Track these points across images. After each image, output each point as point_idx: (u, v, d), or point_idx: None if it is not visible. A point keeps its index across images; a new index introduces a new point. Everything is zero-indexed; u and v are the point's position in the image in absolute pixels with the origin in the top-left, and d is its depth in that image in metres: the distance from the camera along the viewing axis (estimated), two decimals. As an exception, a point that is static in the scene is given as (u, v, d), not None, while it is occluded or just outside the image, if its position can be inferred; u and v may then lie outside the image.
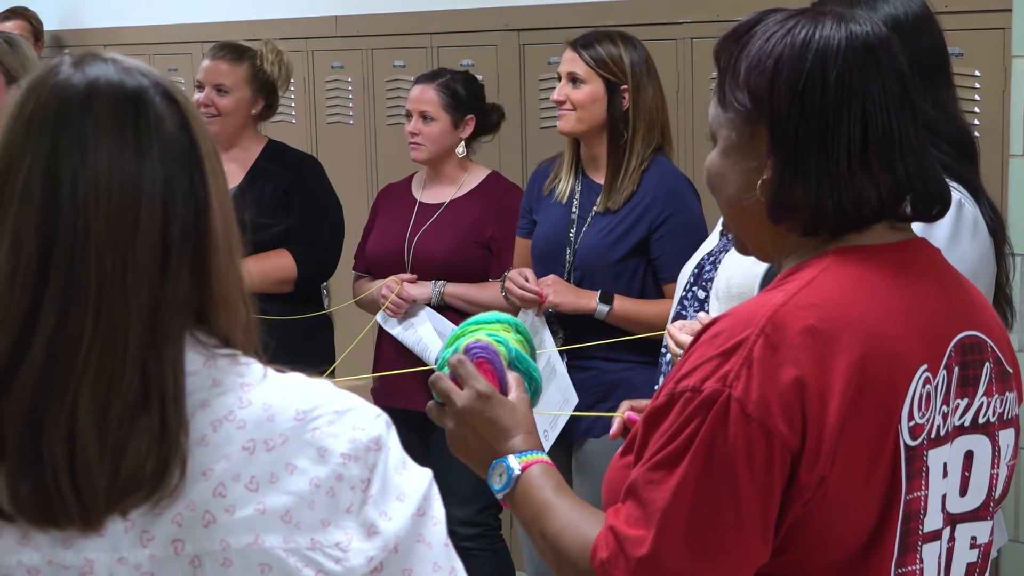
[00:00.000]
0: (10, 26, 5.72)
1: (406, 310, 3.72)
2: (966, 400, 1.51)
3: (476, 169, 3.88)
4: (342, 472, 1.22)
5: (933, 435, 1.47)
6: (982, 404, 1.53)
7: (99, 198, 1.17)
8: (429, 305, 3.73)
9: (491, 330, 1.73)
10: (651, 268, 3.34)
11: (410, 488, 1.26)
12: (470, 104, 3.83)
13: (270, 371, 1.28)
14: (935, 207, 1.53)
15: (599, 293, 3.32)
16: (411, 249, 3.81)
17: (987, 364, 1.53)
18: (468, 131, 3.82)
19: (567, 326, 3.38)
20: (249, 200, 3.81)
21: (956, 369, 1.50)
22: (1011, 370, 1.57)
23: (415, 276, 3.77)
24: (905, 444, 1.44)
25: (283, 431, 1.22)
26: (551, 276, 3.38)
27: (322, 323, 3.94)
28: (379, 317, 3.78)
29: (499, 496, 1.61)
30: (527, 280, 3.37)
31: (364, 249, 3.94)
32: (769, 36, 1.50)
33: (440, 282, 3.74)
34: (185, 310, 1.21)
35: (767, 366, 1.38)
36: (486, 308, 3.69)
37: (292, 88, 4.16)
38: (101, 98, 1.20)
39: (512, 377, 1.69)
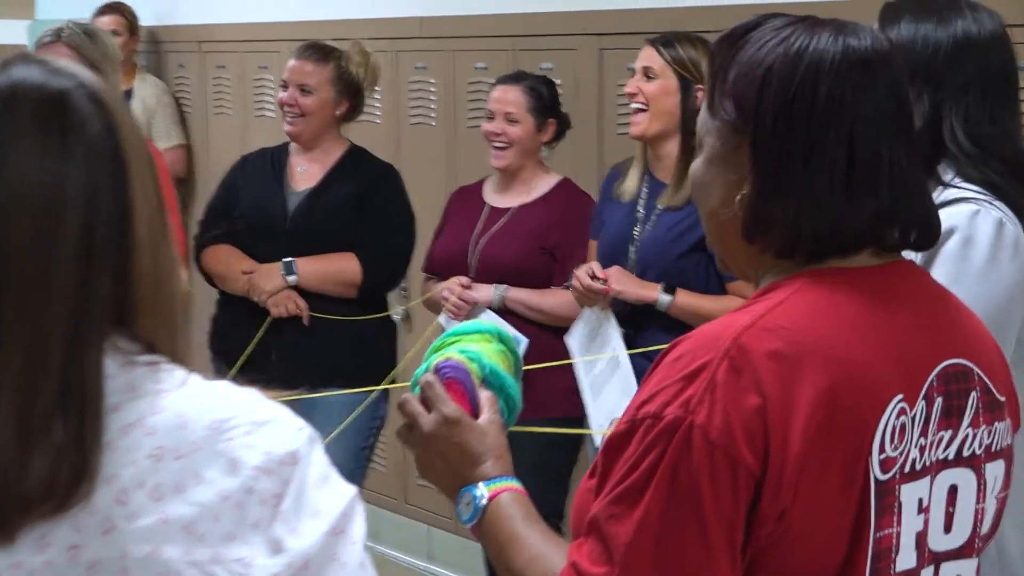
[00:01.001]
0: (106, 21, 5.85)
1: (467, 313, 3.74)
2: (950, 432, 1.43)
3: (548, 175, 3.89)
4: (252, 485, 1.17)
5: (907, 469, 1.40)
6: (967, 436, 1.45)
7: (20, 203, 1.14)
8: (491, 308, 3.74)
9: (469, 342, 1.65)
10: (714, 266, 3.33)
11: (327, 505, 1.20)
12: (552, 108, 3.86)
13: (193, 378, 1.23)
14: (922, 238, 1.46)
15: (662, 284, 3.34)
16: (477, 252, 3.83)
17: (973, 393, 1.46)
18: (548, 135, 3.85)
19: (633, 324, 3.40)
20: (323, 202, 3.89)
21: (939, 399, 1.42)
22: (1002, 398, 1.49)
23: (471, 280, 3.78)
24: (875, 478, 1.36)
25: (194, 440, 1.17)
26: (615, 267, 3.40)
27: (383, 327, 3.98)
28: (441, 319, 3.81)
29: (467, 526, 1.54)
30: (593, 274, 3.40)
31: (432, 251, 3.97)
32: (762, 44, 1.43)
33: (502, 286, 3.76)
34: (107, 315, 1.18)
35: (731, 391, 1.32)
36: (548, 314, 3.76)
37: (377, 88, 4.21)
38: (23, 100, 1.17)
39: (484, 397, 1.60)
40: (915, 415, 1.40)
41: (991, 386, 1.48)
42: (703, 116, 1.49)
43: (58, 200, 1.15)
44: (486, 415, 1.59)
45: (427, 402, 1.58)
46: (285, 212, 3.91)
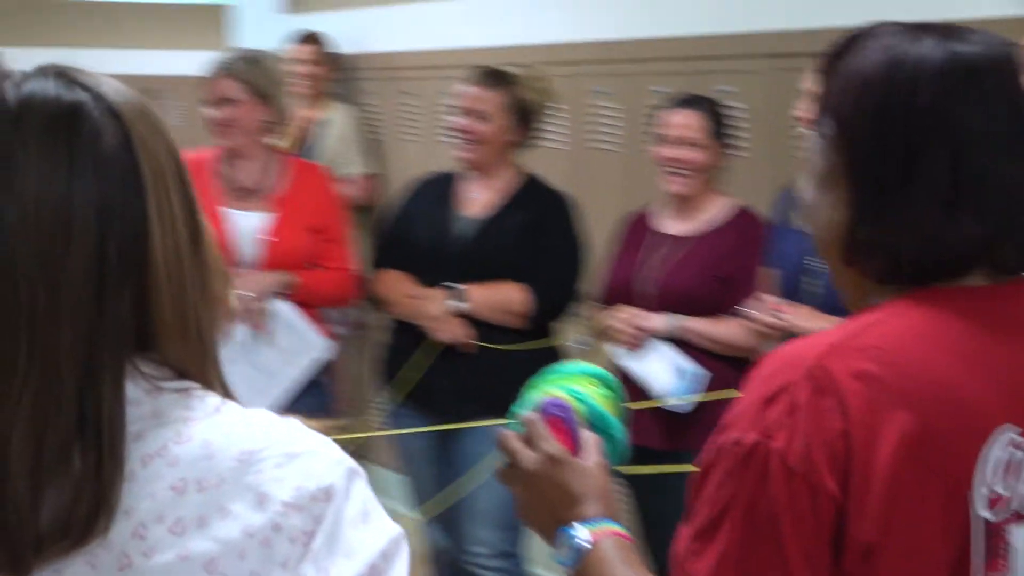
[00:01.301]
0: (305, 50, 6.01)
1: (639, 342, 3.67)
2: None
3: (723, 200, 3.80)
4: (280, 522, 1.10)
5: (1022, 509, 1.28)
6: None
7: (26, 222, 1.09)
8: (663, 338, 3.67)
9: (572, 383, 1.59)
10: None
11: (364, 545, 1.12)
12: (727, 132, 3.79)
13: (228, 406, 1.17)
14: None
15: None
16: (650, 281, 3.76)
17: None
18: (724, 160, 3.79)
19: None
20: (494, 230, 3.88)
21: None
22: None
23: (642, 310, 3.71)
24: (978, 516, 1.25)
25: (221, 471, 1.11)
26: (803, 307, 3.29)
27: (548, 356, 3.92)
28: (612, 349, 3.75)
29: (565, 570, 1.46)
30: (772, 308, 3.31)
31: (604, 279, 3.92)
32: (863, 53, 1.34)
33: (676, 315, 3.68)
34: (126, 340, 1.12)
35: (812, 414, 1.23)
36: (724, 344, 3.67)
37: (555, 113, 4.20)
38: (33, 115, 1.12)
39: (589, 438, 1.53)
40: None
41: None
42: (810, 134, 1.42)
43: (66, 218, 1.09)
44: (591, 456, 1.52)
45: (529, 439, 1.52)
46: (455, 238, 3.93)
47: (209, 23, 7.81)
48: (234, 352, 3.80)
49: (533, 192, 3.96)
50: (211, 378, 1.18)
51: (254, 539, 1.09)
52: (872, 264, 1.34)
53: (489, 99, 3.91)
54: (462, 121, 3.94)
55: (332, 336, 4.11)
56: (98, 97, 1.14)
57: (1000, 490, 1.27)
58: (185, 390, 1.15)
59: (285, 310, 3.90)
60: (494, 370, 3.81)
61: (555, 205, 3.94)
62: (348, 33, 6.27)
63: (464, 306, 3.83)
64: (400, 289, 3.96)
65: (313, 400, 3.89)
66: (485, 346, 3.82)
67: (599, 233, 4.05)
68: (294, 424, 1.18)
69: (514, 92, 3.93)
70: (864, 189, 1.33)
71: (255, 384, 3.84)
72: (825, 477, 1.23)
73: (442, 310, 3.85)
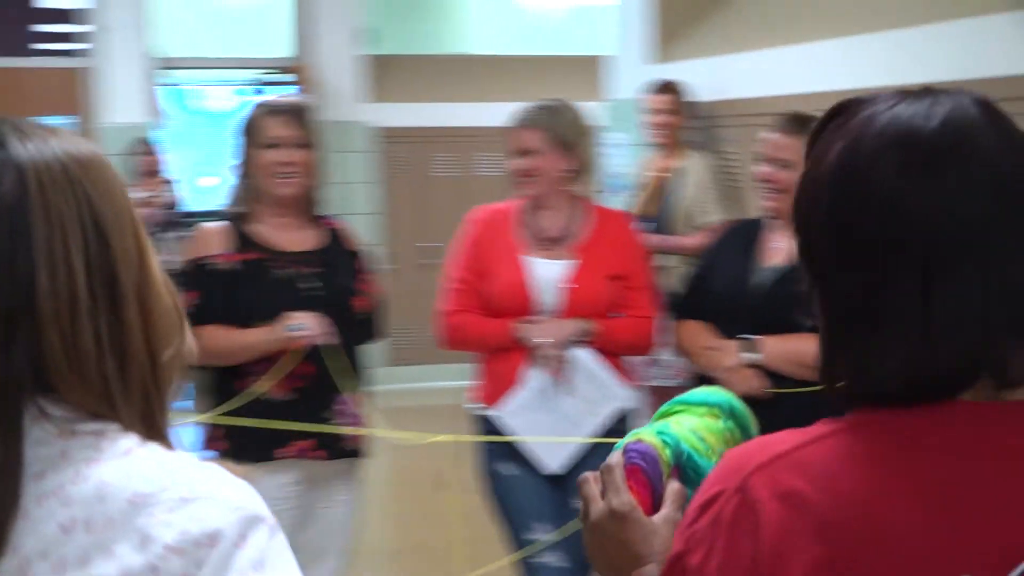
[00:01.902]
0: (661, 99, 6.05)
1: None
2: None
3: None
4: (159, 564, 1.12)
5: None
6: None
7: None
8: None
9: (691, 415, 1.51)
10: None
11: None
12: None
13: (144, 449, 1.19)
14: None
15: None
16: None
17: None
18: None
19: None
20: (793, 280, 3.74)
21: None
22: None
23: None
24: None
25: (110, 513, 1.14)
26: None
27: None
28: None
29: None
30: None
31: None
32: (834, 130, 1.19)
33: None
34: (21, 385, 1.16)
35: (730, 532, 1.15)
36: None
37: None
38: None
39: (672, 490, 1.45)
40: None
41: None
42: None
43: None
44: (665, 511, 1.43)
45: (603, 488, 1.44)
46: (752, 288, 3.82)
47: (585, 74, 7.99)
48: (534, 399, 3.86)
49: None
50: (131, 421, 1.21)
51: None
52: (845, 390, 1.20)
53: (791, 146, 3.79)
54: (765, 169, 3.85)
55: (638, 385, 4.09)
56: (9, 153, 1.19)
57: None
58: (100, 432, 1.19)
59: (585, 358, 3.92)
60: (791, 416, 3.65)
61: None
62: (710, 81, 6.25)
63: (757, 357, 3.72)
64: (698, 340, 3.89)
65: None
66: (780, 392, 3.69)
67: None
68: (207, 469, 1.19)
69: (820, 138, 3.79)
70: (825, 307, 1.21)
71: (557, 431, 3.87)
72: None
73: (736, 362, 3.75)
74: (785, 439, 1.18)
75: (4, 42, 9.61)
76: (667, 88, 6.10)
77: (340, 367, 3.69)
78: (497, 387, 3.90)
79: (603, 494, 1.44)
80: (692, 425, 1.51)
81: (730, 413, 1.55)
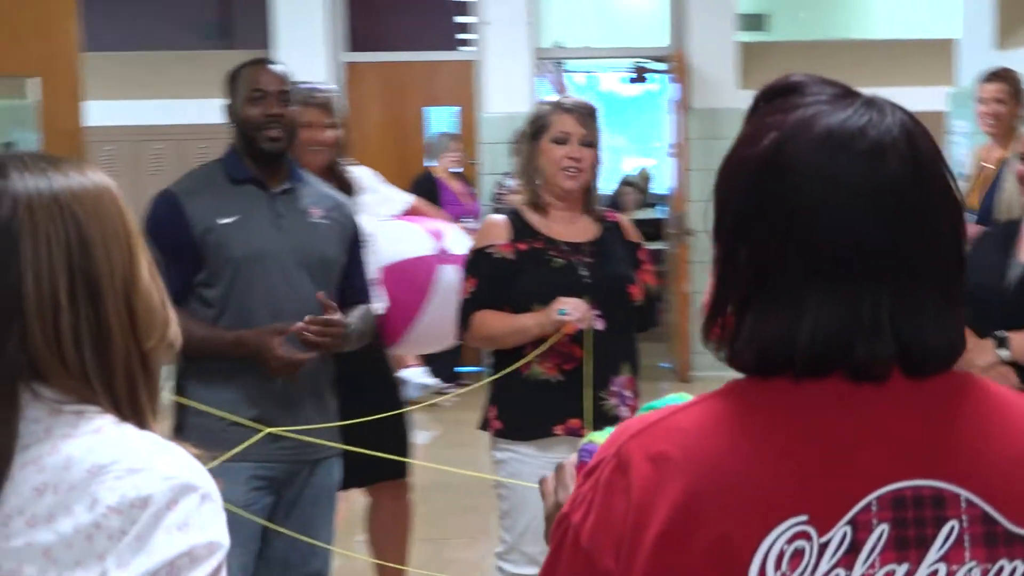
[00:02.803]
0: (992, 88, 5.94)
1: None
2: (906, 566, 1.25)
3: None
4: (102, 522, 1.35)
5: None
6: (937, 570, 1.26)
7: None
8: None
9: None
10: None
11: (168, 547, 1.35)
12: None
13: (116, 428, 1.43)
14: (918, 365, 1.29)
15: None
16: None
17: (952, 523, 1.26)
18: None
19: None
20: None
21: (881, 526, 1.25)
22: (1019, 531, 1.27)
23: None
24: None
25: (73, 480, 1.37)
26: None
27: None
28: None
29: None
30: None
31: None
32: (770, 113, 1.34)
33: None
34: (17, 370, 1.42)
35: (607, 493, 1.29)
36: None
37: None
38: None
39: None
40: (827, 541, 1.26)
41: (997, 516, 1.28)
42: None
43: None
44: None
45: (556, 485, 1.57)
46: (1005, 285, 3.80)
47: (936, 59, 7.82)
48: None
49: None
50: (111, 403, 1.46)
51: (80, 534, 1.37)
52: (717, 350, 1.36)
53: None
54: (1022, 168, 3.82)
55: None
56: (7, 184, 1.47)
57: None
58: (80, 412, 1.45)
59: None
60: None
61: None
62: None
63: (1006, 354, 3.73)
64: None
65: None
66: None
67: None
68: (159, 446, 1.44)
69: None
70: (723, 273, 1.35)
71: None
72: (605, 555, 1.29)
73: (991, 360, 3.77)
74: (664, 410, 1.34)
75: (396, 37, 10.41)
76: (1000, 76, 5.96)
77: (610, 351, 3.93)
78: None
79: (555, 491, 1.57)
80: None
81: None
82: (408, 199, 4.88)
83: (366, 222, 4.19)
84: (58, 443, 1.42)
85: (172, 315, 1.58)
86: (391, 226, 4.60)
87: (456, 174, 8.92)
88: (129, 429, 1.47)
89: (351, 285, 3.86)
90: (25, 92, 6.26)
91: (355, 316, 3.78)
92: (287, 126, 3.69)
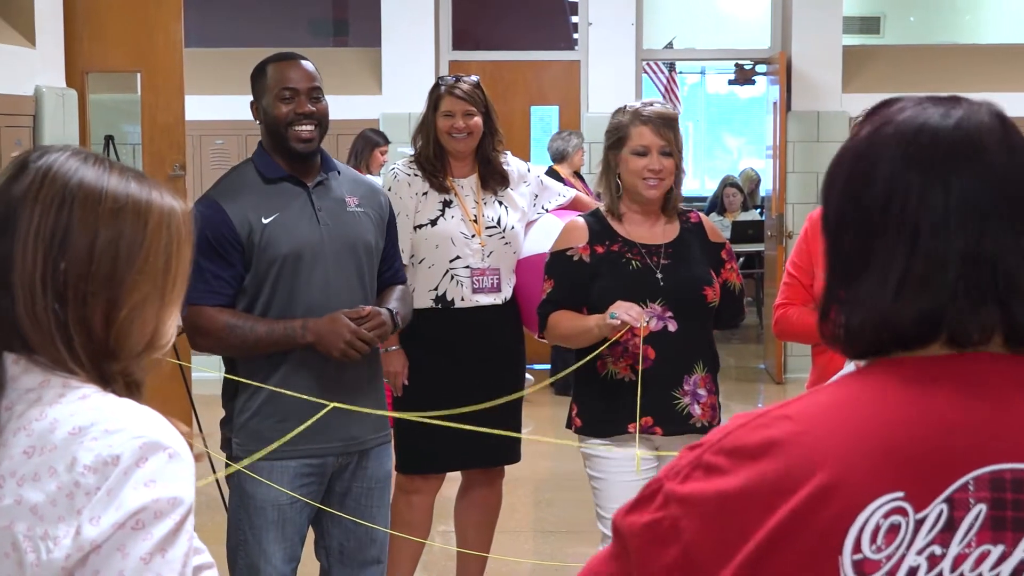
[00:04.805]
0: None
1: None
2: (1001, 547, 1.25)
3: None
4: (79, 480, 1.43)
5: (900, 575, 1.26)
6: None
7: None
8: None
9: None
10: None
11: (132, 501, 1.42)
12: None
13: (101, 397, 1.51)
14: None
15: None
16: None
17: None
18: None
19: None
20: None
21: (978, 506, 1.26)
22: None
23: None
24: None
25: (56, 442, 1.46)
26: None
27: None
28: None
29: None
30: None
31: None
32: (871, 115, 1.40)
33: None
34: (8, 338, 1.52)
35: (713, 472, 1.33)
36: None
37: None
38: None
39: None
40: (923, 517, 1.27)
41: None
42: None
43: None
44: None
45: None
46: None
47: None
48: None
49: None
50: (89, 376, 1.54)
51: (62, 492, 1.46)
52: (831, 337, 1.40)
53: None
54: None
55: None
56: (46, 163, 1.57)
57: (869, 554, 1.28)
58: (66, 382, 1.53)
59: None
60: None
61: None
62: None
63: None
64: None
65: None
66: None
67: None
68: (136, 411, 1.51)
69: None
70: (831, 266, 1.40)
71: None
72: (692, 526, 1.33)
73: None
74: (792, 402, 1.37)
75: (500, 36, 10.49)
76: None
77: (683, 351, 3.96)
78: (821, 380, 4.04)
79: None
80: None
81: None
82: (570, 192, 4.91)
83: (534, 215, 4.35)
84: (45, 408, 1.51)
85: (165, 342, 1.63)
86: (547, 219, 4.66)
87: (577, 174, 8.85)
88: (111, 396, 1.54)
89: (389, 267, 3.94)
90: (136, 87, 6.44)
91: (394, 300, 3.85)
92: (320, 123, 3.71)
